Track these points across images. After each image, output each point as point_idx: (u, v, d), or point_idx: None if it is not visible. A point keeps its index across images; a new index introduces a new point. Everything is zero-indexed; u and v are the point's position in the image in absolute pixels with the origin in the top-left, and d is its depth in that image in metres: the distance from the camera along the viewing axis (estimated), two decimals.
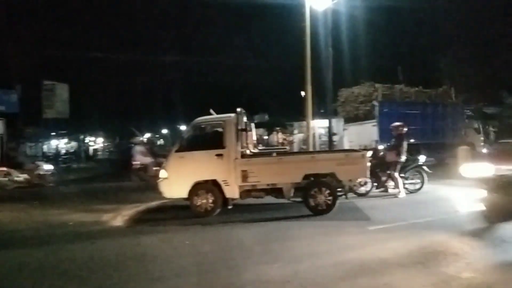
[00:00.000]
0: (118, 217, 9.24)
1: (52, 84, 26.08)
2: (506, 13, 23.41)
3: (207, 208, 8.76)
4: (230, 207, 9.02)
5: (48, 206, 11.12)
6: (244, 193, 8.82)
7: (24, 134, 29.81)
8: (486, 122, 31.56)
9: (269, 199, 9.13)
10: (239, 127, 8.93)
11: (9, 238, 7.69)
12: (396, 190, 10.57)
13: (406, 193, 10.70)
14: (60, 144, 36.17)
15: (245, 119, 9.57)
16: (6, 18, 23.16)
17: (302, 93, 15.42)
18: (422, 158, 11.14)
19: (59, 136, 35.43)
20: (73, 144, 38.61)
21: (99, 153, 42.25)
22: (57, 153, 29.96)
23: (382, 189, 10.85)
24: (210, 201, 8.75)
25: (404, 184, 10.84)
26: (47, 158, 26.77)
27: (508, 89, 24.95)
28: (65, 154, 30.45)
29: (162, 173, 8.87)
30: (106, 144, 54.30)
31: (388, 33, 28.32)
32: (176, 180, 8.76)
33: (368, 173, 9.26)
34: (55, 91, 26.35)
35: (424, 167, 10.99)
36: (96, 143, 49.22)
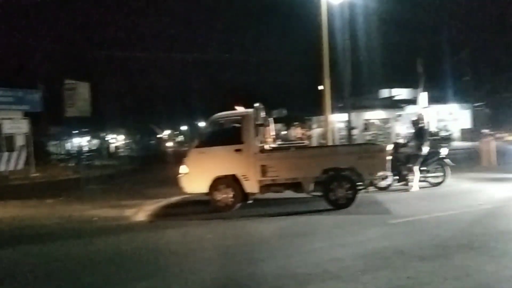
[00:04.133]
0: (141, 212, 9.42)
1: (73, 83, 26.54)
2: None
3: (228, 203, 8.84)
4: (250, 201, 9.09)
5: (73, 201, 11.42)
6: (264, 187, 8.86)
7: (48, 133, 30.60)
8: None
9: (289, 194, 9.15)
10: (257, 122, 8.97)
11: (37, 233, 7.94)
12: (411, 184, 10.43)
13: (428, 187, 10.58)
14: (83, 142, 36.90)
15: (263, 114, 9.59)
16: (28, 20, 23.78)
17: (320, 87, 15.33)
18: (444, 151, 10.96)
19: (81, 134, 36.14)
20: (95, 141, 39.33)
21: (120, 150, 42.93)
22: (79, 151, 30.58)
23: (403, 182, 10.73)
24: (230, 195, 8.82)
25: (426, 177, 10.70)
26: (70, 156, 27.41)
27: None
28: (88, 151, 31.05)
29: (183, 169, 8.99)
30: (127, 141, 55.12)
31: (406, 25, 27.88)
32: (196, 176, 8.86)
33: (388, 166, 9.18)
34: (76, 90, 26.80)
35: (447, 160, 10.80)
36: (117, 140, 50.04)
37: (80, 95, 27.61)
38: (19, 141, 21.21)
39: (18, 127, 20.01)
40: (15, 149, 21.22)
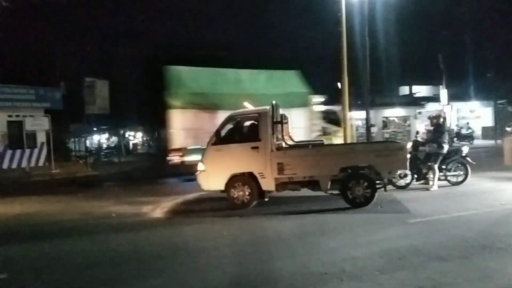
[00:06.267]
0: (158, 209, 9.50)
1: (93, 81, 26.98)
2: None
3: (244, 200, 8.83)
4: (266, 199, 9.06)
5: (92, 197, 11.59)
6: (280, 185, 8.82)
7: (68, 130, 31.13)
8: None
9: (306, 192, 9.08)
10: (275, 120, 8.91)
11: (57, 229, 8.08)
12: (431, 183, 10.23)
13: (448, 186, 10.37)
14: (102, 139, 37.43)
15: (280, 111, 9.53)
16: (49, 17, 24.13)
17: (338, 84, 15.17)
18: (465, 149, 10.72)
19: (100, 131, 36.64)
20: (114, 139, 39.87)
21: (138, 147, 43.43)
22: (99, 148, 31.05)
23: (422, 181, 10.53)
24: (247, 193, 8.81)
25: (446, 176, 10.49)
26: (89, 153, 27.84)
27: None
28: (107, 148, 31.49)
29: (200, 166, 9.02)
30: (145, 139, 55.54)
31: (427, 21, 27.27)
32: (213, 173, 8.88)
33: (408, 165, 9.03)
34: (96, 87, 27.25)
35: (468, 159, 10.55)
36: (135, 137, 50.56)
37: (99, 93, 28.06)
38: (40, 138, 21.65)
39: (39, 124, 20.43)
40: (37, 146, 21.69)
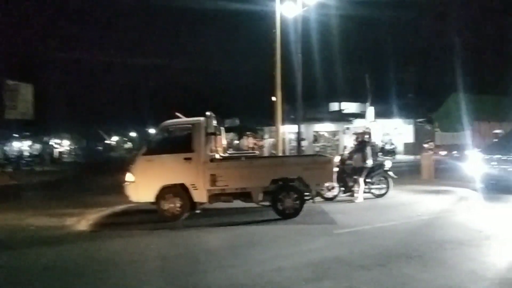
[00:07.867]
0: (83, 221, 9.01)
1: (15, 84, 25.23)
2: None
3: (175, 212, 8.66)
4: (198, 211, 8.98)
5: (8, 209, 10.72)
6: (213, 197, 8.78)
7: None
8: None
9: (238, 203, 9.12)
10: (208, 131, 8.90)
11: None
12: (356, 195, 10.76)
13: (372, 198, 10.97)
14: (23, 146, 34.87)
15: (214, 123, 9.54)
16: None
17: (273, 98, 15.53)
18: (388, 164, 11.43)
19: (22, 138, 34.19)
20: (37, 146, 37.29)
21: (64, 156, 41.04)
22: (19, 156, 28.84)
23: (349, 193, 11.05)
24: (178, 205, 8.66)
25: (370, 189, 11.09)
26: (8, 161, 25.80)
27: None
28: (28, 156, 29.34)
29: (129, 177, 8.72)
30: (72, 147, 52.58)
31: (357, 40, 29.04)
32: (143, 184, 8.61)
33: (334, 177, 9.42)
34: (18, 91, 25.49)
35: (390, 173, 11.27)
36: (61, 145, 47.72)
37: (22, 97, 26.26)
38: None
39: None
40: None
